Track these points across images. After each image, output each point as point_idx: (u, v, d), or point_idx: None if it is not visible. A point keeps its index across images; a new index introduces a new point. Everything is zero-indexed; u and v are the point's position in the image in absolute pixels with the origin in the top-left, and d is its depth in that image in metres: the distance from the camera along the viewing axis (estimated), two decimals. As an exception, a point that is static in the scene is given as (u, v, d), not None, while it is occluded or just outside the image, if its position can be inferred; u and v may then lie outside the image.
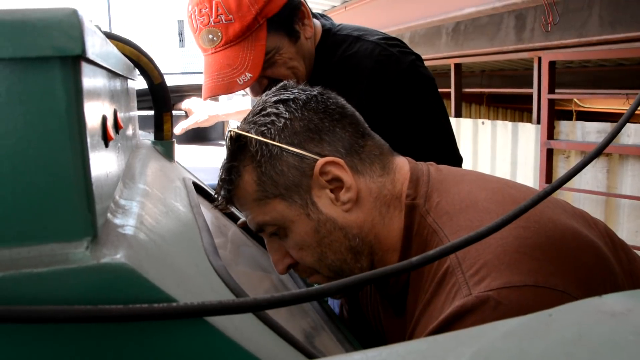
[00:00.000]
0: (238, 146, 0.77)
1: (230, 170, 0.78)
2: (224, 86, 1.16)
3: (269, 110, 0.78)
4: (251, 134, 0.77)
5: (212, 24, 1.15)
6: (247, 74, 1.14)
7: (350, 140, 0.79)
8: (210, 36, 1.16)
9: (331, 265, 0.78)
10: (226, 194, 0.80)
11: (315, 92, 0.80)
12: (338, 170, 0.76)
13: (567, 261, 0.67)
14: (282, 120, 0.76)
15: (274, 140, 0.76)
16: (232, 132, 0.77)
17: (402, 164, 0.83)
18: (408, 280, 0.77)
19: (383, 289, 0.84)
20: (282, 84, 0.83)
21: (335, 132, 0.78)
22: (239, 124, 0.82)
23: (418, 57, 1.25)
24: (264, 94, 0.83)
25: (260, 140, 0.76)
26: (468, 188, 0.78)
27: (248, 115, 0.81)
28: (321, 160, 0.75)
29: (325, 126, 0.78)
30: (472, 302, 0.63)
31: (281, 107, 0.78)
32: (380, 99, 1.18)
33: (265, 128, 0.77)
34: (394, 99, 1.19)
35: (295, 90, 0.80)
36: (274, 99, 0.79)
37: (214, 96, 1.20)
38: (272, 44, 1.17)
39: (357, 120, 0.82)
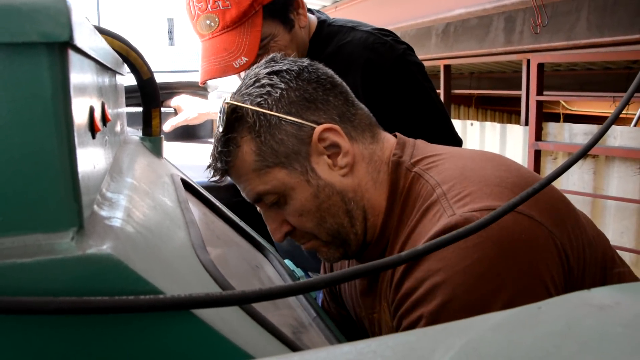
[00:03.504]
0: (235, 118, 0.78)
1: (228, 142, 0.79)
2: (221, 69, 1.20)
3: (263, 81, 0.79)
4: (247, 104, 0.78)
5: (210, 10, 1.18)
6: (243, 57, 1.18)
7: (342, 108, 0.81)
8: (208, 22, 1.20)
9: (330, 229, 0.81)
10: (224, 166, 0.80)
11: (305, 63, 0.82)
12: (335, 136, 0.79)
13: (542, 202, 0.71)
14: (279, 91, 0.78)
15: (271, 110, 0.77)
16: (226, 105, 0.78)
17: (389, 136, 0.86)
18: (387, 245, 0.80)
19: (363, 256, 0.86)
20: (270, 57, 0.85)
21: (328, 100, 0.80)
22: (228, 97, 0.82)
23: (409, 46, 1.30)
24: (254, 67, 0.84)
25: (257, 111, 0.77)
26: (453, 150, 0.83)
27: (240, 87, 0.82)
28: (319, 128, 0.78)
29: (319, 95, 0.80)
30: (457, 220, 0.67)
31: (275, 78, 0.79)
32: (377, 85, 1.21)
33: (261, 99, 0.78)
34: (390, 84, 1.22)
35: (286, 62, 0.82)
36: (266, 70, 0.81)
37: (210, 79, 1.23)
38: (267, 31, 1.20)
39: (347, 90, 0.84)
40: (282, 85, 0.78)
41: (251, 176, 0.79)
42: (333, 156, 0.79)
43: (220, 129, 0.79)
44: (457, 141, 1.31)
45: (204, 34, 1.22)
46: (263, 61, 0.84)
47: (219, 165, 0.81)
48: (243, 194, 0.83)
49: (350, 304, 0.97)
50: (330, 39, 1.28)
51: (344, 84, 0.85)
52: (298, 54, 1.26)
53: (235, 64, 1.18)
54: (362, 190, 0.80)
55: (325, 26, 1.31)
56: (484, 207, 0.67)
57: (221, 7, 1.18)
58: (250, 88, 0.79)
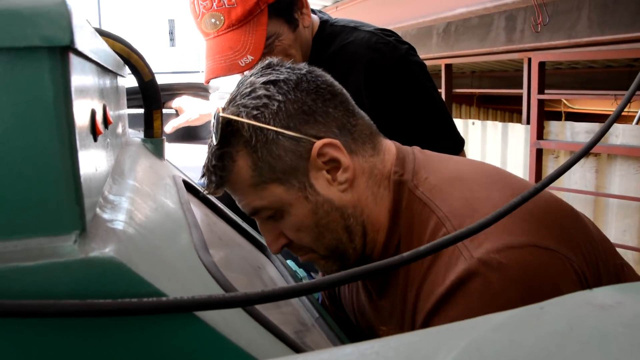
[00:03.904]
0: (230, 131, 0.75)
1: (223, 156, 0.76)
2: (226, 67, 1.19)
3: (259, 92, 0.75)
4: (242, 117, 0.74)
5: (215, 8, 1.18)
6: (248, 56, 1.17)
7: (342, 120, 0.78)
8: (213, 20, 1.19)
9: (328, 245, 0.79)
10: (218, 180, 0.77)
11: (304, 71, 0.78)
12: (335, 152, 0.75)
13: (553, 224, 0.70)
14: (276, 103, 0.74)
15: (269, 124, 0.74)
16: (221, 117, 0.74)
17: (390, 145, 0.83)
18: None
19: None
20: (266, 62, 0.80)
21: (328, 112, 0.77)
22: (221, 104, 0.79)
23: (411, 46, 1.30)
24: (248, 73, 0.81)
25: (254, 125, 0.73)
26: (453, 165, 0.80)
27: (235, 96, 0.78)
28: (318, 143, 0.74)
29: (319, 107, 0.76)
30: (476, 265, 0.65)
31: (272, 89, 0.75)
32: (379, 85, 1.22)
33: (258, 112, 0.74)
34: (393, 84, 1.23)
35: (284, 69, 0.78)
36: (263, 79, 0.77)
37: (215, 77, 1.22)
38: (272, 30, 1.20)
39: (347, 99, 0.81)
40: (280, 97, 0.74)
41: (247, 191, 0.76)
42: (332, 171, 0.76)
43: (215, 142, 0.76)
44: (459, 141, 1.31)
45: (208, 32, 1.21)
46: (259, 67, 0.80)
47: (213, 178, 0.78)
48: (239, 205, 0.81)
49: (350, 309, 0.97)
50: (333, 38, 1.29)
51: (344, 91, 0.81)
52: (301, 53, 1.26)
53: (241, 62, 1.17)
54: (362, 206, 0.78)
55: (327, 26, 1.31)
56: (502, 246, 0.65)
57: (227, 6, 1.17)
58: (246, 98, 0.75)
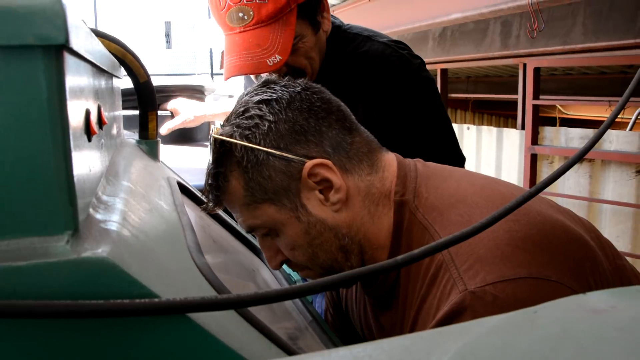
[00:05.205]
0: (223, 151, 0.76)
1: (217, 176, 0.77)
2: (253, 65, 1.14)
3: (252, 112, 0.76)
4: (235, 138, 0.75)
5: (245, 2, 1.13)
6: (277, 55, 1.12)
7: (337, 138, 0.77)
8: (241, 14, 1.14)
9: (323, 264, 0.79)
10: (214, 199, 0.79)
11: (298, 89, 0.78)
12: (327, 172, 0.75)
13: (557, 252, 0.68)
14: (267, 124, 0.74)
15: (259, 144, 0.74)
16: (216, 137, 0.76)
17: (391, 160, 0.82)
18: (397, 277, 0.77)
19: (371, 288, 0.84)
20: (264, 80, 0.81)
21: (321, 131, 0.76)
22: (221, 124, 0.80)
23: (423, 62, 1.29)
24: (245, 92, 0.81)
25: (245, 146, 0.74)
26: (456, 184, 0.78)
27: (230, 115, 0.79)
28: (309, 163, 0.74)
29: (311, 126, 0.76)
30: (470, 297, 0.63)
31: (264, 109, 0.75)
32: (389, 98, 1.21)
33: (249, 132, 0.75)
34: (403, 98, 1.22)
35: (278, 88, 0.78)
36: (257, 98, 0.77)
37: (240, 74, 1.18)
38: (298, 30, 1.16)
39: (344, 116, 0.80)
40: (271, 117, 0.75)
41: (242, 209, 0.77)
42: (325, 191, 0.76)
43: (210, 161, 0.77)
44: (461, 158, 1.31)
45: (233, 27, 1.15)
46: (255, 85, 0.81)
47: (210, 197, 0.79)
48: (237, 222, 0.82)
49: (357, 324, 0.96)
50: (345, 45, 1.27)
51: (342, 107, 0.81)
52: (319, 57, 1.24)
53: (269, 61, 1.12)
54: (358, 225, 0.77)
55: (340, 32, 1.29)
56: (498, 278, 0.64)
57: (257, 1, 1.12)
58: (240, 118, 0.76)
